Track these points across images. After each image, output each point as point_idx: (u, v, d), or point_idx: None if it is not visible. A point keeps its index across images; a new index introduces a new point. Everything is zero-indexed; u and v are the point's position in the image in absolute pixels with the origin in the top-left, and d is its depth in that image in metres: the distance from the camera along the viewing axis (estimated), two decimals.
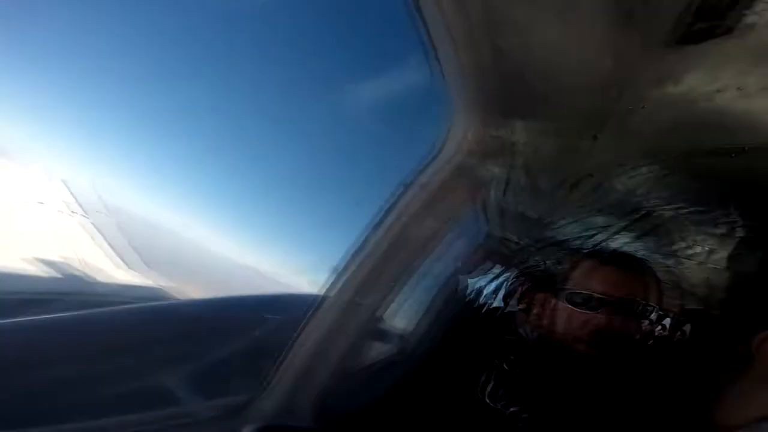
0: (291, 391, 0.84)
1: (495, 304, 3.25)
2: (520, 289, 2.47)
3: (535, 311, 1.11)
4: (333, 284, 0.95)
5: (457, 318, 2.01)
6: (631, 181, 1.33)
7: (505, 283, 3.10)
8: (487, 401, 0.86)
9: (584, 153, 1.16)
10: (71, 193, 0.67)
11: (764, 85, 0.66)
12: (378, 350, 1.30)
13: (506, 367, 0.98)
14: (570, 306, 0.99)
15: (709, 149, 1.00)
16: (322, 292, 0.89)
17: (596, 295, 0.97)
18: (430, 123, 0.89)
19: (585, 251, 1.03)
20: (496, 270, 2.39)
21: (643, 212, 1.51)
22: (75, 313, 0.75)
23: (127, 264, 0.78)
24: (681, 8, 0.51)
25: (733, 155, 0.95)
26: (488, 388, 0.92)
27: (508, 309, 2.45)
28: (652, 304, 0.99)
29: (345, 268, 0.98)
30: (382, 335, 1.27)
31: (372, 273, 1.02)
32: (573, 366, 0.94)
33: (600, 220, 1.93)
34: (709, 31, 0.55)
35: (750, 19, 0.50)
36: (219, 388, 0.73)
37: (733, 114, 0.79)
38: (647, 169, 1.23)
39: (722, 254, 1.28)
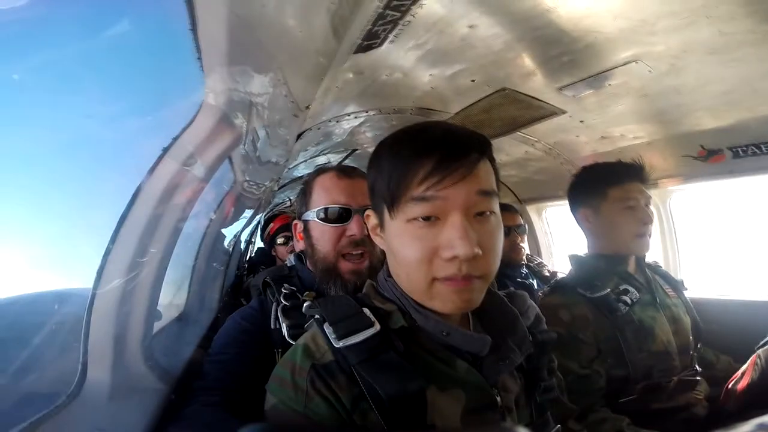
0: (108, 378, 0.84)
1: (257, 245, 3.49)
2: (273, 225, 2.78)
3: (293, 239, 1.08)
4: (103, 272, 0.93)
5: (227, 268, 2.13)
6: (348, 127, 1.79)
7: (259, 223, 3.35)
8: (289, 340, 0.87)
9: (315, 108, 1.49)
10: None
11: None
12: (166, 315, 1.31)
13: (285, 303, 0.95)
14: (323, 223, 0.97)
15: (388, 106, 1.56)
16: (94, 282, 0.88)
17: (342, 206, 0.97)
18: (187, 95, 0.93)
19: (317, 170, 1.09)
20: (248, 214, 2.58)
21: (354, 149, 2.08)
22: None
23: None
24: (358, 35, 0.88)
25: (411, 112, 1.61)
26: (283, 328, 0.90)
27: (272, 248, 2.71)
28: None
29: (111, 252, 0.96)
30: (164, 302, 1.29)
31: (139, 249, 1.02)
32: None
33: (324, 158, 2.40)
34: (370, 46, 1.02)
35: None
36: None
37: (397, 86, 1.38)
38: (356, 118, 1.71)
39: None
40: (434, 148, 0.57)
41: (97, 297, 0.86)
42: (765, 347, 1.05)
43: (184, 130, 1.02)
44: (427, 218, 0.57)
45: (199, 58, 0.83)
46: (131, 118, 0.86)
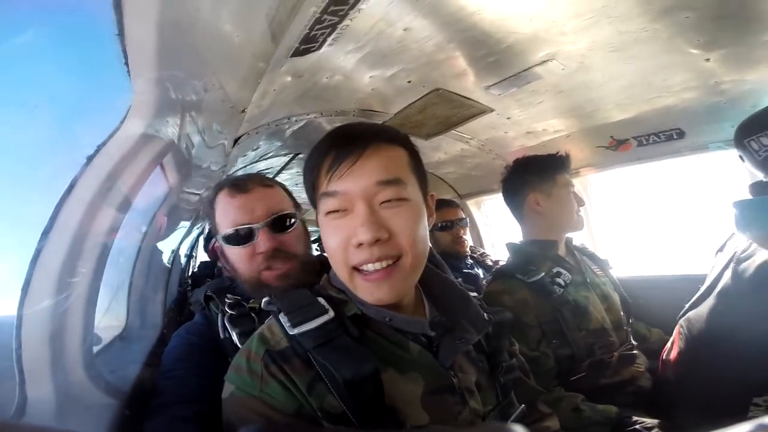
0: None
1: (201, 259, 3.27)
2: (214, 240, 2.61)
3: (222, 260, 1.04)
4: (28, 291, 0.85)
5: (168, 284, 2.00)
6: (288, 131, 1.77)
7: (199, 236, 3.15)
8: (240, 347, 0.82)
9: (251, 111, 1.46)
10: None
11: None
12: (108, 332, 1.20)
13: (231, 312, 0.93)
14: (233, 246, 0.94)
15: (330, 109, 1.58)
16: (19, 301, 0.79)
17: (242, 226, 0.93)
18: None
19: (215, 187, 1.02)
20: (186, 226, 2.43)
21: (296, 153, 2.06)
22: None
23: None
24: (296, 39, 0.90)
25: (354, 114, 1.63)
26: (233, 336, 0.89)
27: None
28: (292, 210, 1.00)
29: (35, 270, 0.88)
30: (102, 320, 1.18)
31: (66, 266, 0.95)
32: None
33: (264, 164, 2.35)
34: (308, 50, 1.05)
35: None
36: None
37: (338, 88, 1.41)
38: (297, 122, 1.69)
39: None
40: (332, 147, 0.63)
41: (25, 317, 0.79)
42: (684, 316, 1.14)
43: (109, 138, 0.96)
44: (337, 211, 0.63)
45: (126, 63, 0.80)
46: (50, 126, 0.79)
